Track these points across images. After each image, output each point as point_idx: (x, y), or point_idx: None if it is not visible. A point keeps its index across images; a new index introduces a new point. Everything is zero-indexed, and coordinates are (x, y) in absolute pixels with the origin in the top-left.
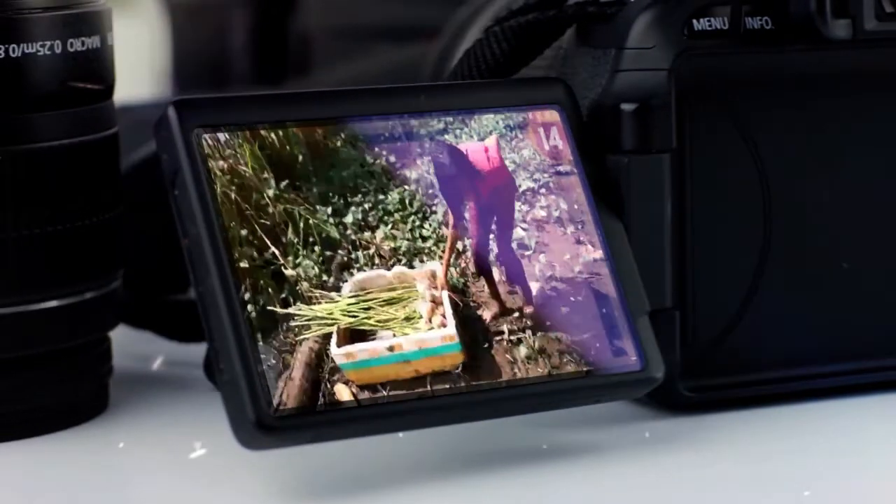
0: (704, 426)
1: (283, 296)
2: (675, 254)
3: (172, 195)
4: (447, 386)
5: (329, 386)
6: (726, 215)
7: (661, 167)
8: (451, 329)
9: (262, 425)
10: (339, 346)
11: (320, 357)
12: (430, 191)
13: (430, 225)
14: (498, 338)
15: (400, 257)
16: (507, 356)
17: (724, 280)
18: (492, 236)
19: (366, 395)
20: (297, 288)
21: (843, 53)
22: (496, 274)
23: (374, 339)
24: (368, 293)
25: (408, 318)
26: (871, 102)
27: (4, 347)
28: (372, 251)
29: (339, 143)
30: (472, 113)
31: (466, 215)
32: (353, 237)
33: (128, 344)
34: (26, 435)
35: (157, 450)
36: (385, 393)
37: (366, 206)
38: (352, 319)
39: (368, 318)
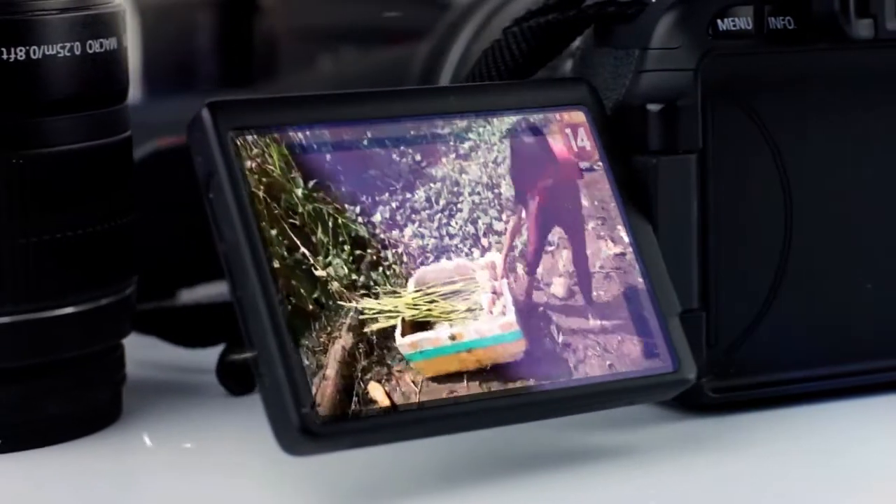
0: (730, 427)
1: (316, 296)
2: (700, 255)
3: (207, 198)
4: (482, 390)
5: (363, 385)
6: (748, 216)
7: (688, 168)
8: (511, 317)
9: (307, 431)
10: (403, 335)
11: (353, 356)
12: (456, 188)
13: (457, 223)
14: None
15: (428, 255)
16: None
17: (746, 281)
18: (554, 230)
19: (399, 396)
20: (329, 288)
21: (865, 53)
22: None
23: (431, 329)
24: (431, 286)
25: (469, 310)
26: (894, 102)
27: (20, 355)
28: (400, 249)
29: (365, 143)
30: (500, 114)
31: (531, 205)
32: (381, 236)
33: (132, 350)
34: (42, 444)
35: (174, 457)
36: (416, 399)
37: (393, 204)
38: (415, 311)
39: (431, 310)
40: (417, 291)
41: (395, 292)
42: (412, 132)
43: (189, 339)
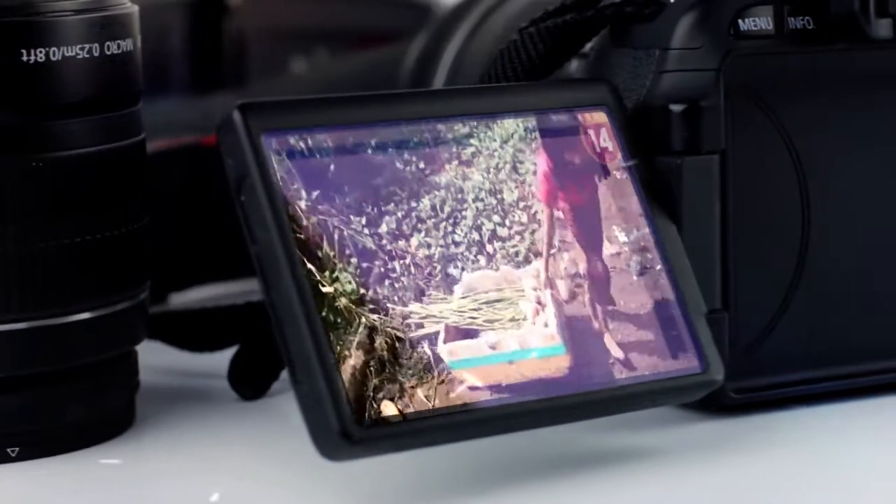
0: (752, 427)
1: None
2: (721, 255)
3: (238, 201)
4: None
5: (376, 404)
6: (765, 216)
7: (711, 168)
8: (553, 329)
9: (348, 436)
10: (445, 342)
11: (364, 373)
12: (460, 195)
13: (461, 230)
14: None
15: (435, 265)
16: None
17: (764, 281)
18: (580, 232)
19: (412, 409)
20: (336, 304)
21: (885, 53)
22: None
23: (478, 338)
24: (478, 294)
25: (513, 319)
26: None
27: (36, 362)
28: (408, 260)
29: (369, 151)
30: (520, 115)
31: (560, 210)
32: (388, 247)
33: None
34: (58, 452)
35: (190, 464)
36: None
37: (399, 214)
38: (459, 318)
39: (475, 318)
40: (464, 298)
41: (443, 298)
42: (430, 134)
43: (195, 344)
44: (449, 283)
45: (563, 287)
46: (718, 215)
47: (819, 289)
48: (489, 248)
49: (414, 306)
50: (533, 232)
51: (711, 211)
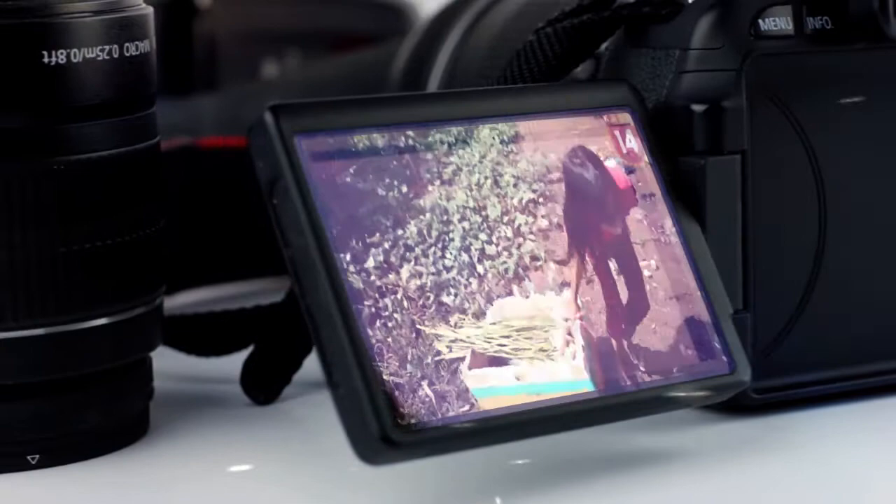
0: (773, 427)
1: None
2: (742, 255)
3: (270, 204)
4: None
5: None
6: (783, 216)
7: (734, 168)
8: (580, 362)
9: (387, 440)
10: (470, 368)
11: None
12: (445, 217)
13: (451, 253)
14: None
15: (427, 293)
16: None
17: (781, 281)
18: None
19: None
20: None
21: None
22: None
23: (503, 366)
24: (510, 320)
25: (542, 349)
26: None
27: (53, 368)
28: (399, 295)
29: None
30: (545, 116)
31: (593, 236)
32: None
33: None
34: (76, 459)
35: (208, 472)
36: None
37: (386, 245)
38: (487, 345)
39: (504, 345)
40: (495, 324)
41: (474, 322)
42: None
43: (203, 348)
44: (444, 312)
45: (593, 314)
46: (741, 215)
47: (836, 289)
48: (479, 268)
49: (442, 328)
50: (519, 246)
51: (734, 211)
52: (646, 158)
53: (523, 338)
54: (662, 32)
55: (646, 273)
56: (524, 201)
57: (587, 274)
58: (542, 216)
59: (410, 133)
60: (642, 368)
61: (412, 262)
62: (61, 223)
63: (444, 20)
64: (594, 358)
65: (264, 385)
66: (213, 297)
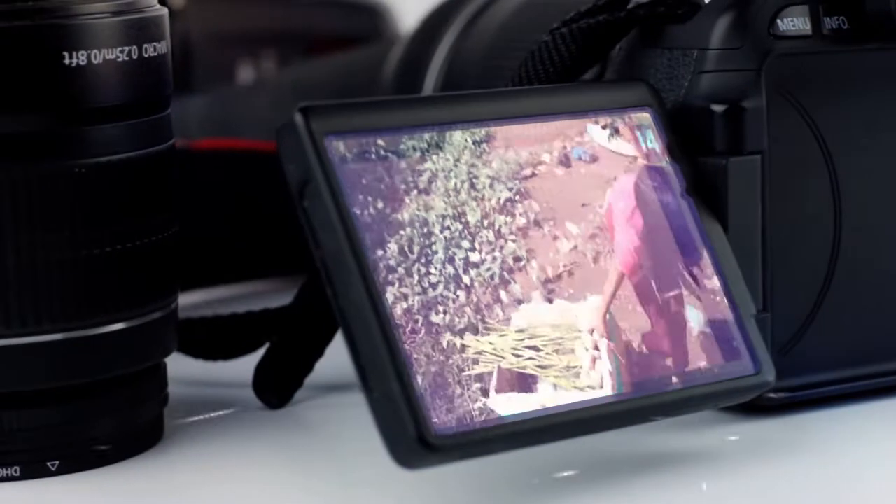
0: (789, 427)
1: None
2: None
3: (300, 206)
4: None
5: None
6: (798, 216)
7: (755, 168)
8: (608, 390)
9: (426, 443)
10: (497, 391)
11: None
12: (425, 229)
13: (435, 268)
14: None
15: (416, 316)
16: None
17: (797, 281)
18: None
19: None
20: None
21: None
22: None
23: (530, 391)
24: (535, 330)
25: (568, 367)
26: None
27: (72, 374)
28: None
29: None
30: (569, 117)
31: (632, 243)
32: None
33: None
34: (90, 466)
35: (227, 478)
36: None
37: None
38: (514, 359)
39: (532, 359)
40: (520, 333)
41: (500, 330)
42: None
43: (211, 352)
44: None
45: (622, 327)
46: (761, 216)
47: (852, 288)
48: (465, 279)
49: (468, 339)
50: (501, 248)
51: (755, 211)
52: (667, 158)
53: (551, 350)
54: (679, 33)
55: None
56: (502, 200)
57: (615, 277)
58: (521, 214)
59: (430, 135)
60: (669, 370)
61: (395, 285)
62: (82, 226)
63: (437, 21)
64: (622, 361)
65: (277, 389)
66: (211, 299)
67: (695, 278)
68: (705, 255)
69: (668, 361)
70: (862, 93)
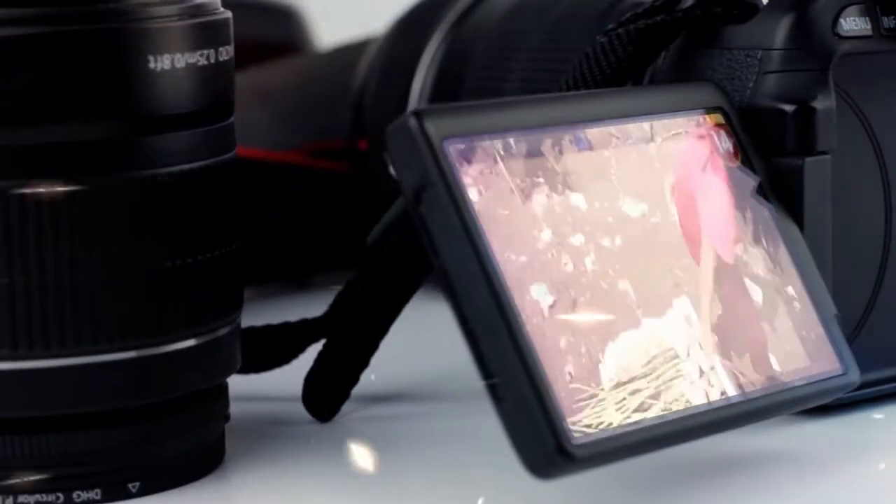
0: (856, 426)
1: None
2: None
3: (417, 213)
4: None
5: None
6: (851, 215)
7: (827, 168)
8: (732, 390)
9: (564, 452)
10: None
11: None
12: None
13: (564, 272)
14: None
15: (547, 322)
16: None
17: (853, 280)
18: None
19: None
20: None
21: None
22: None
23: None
24: (629, 375)
25: (677, 400)
26: None
27: (144, 393)
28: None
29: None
30: (641, 119)
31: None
32: None
33: None
34: (170, 486)
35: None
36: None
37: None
38: (620, 417)
39: (643, 411)
40: (617, 388)
41: (596, 395)
42: None
43: (248, 365)
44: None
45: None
46: (831, 216)
47: None
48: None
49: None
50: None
51: (828, 211)
52: (741, 159)
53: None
54: (740, 33)
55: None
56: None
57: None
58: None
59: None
60: (769, 374)
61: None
62: (155, 238)
63: (418, 23)
64: (727, 366)
65: (326, 402)
66: None
67: (780, 279)
68: (787, 255)
69: (763, 366)
70: None
